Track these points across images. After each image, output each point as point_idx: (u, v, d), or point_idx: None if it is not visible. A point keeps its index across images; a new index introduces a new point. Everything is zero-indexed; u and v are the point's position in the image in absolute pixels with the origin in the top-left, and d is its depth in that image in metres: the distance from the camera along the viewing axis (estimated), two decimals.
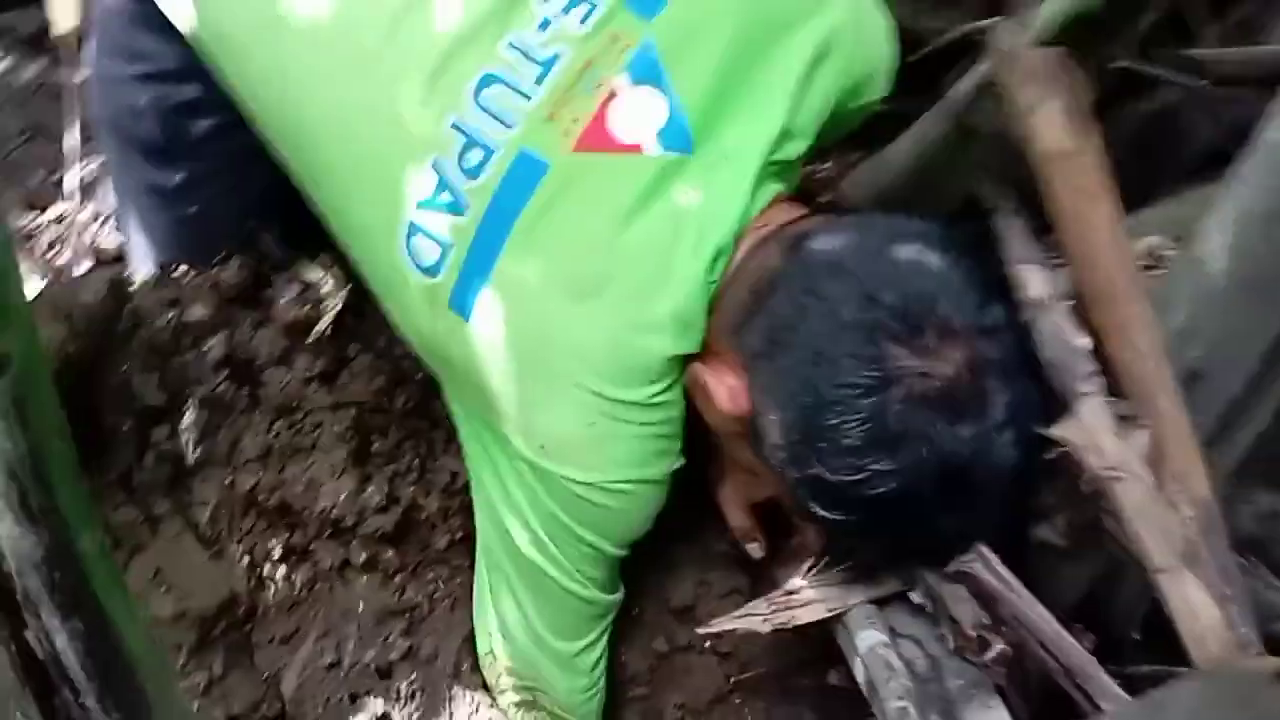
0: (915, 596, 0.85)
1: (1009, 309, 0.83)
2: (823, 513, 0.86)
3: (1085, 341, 0.77)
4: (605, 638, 1.12)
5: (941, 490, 0.79)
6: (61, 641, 0.52)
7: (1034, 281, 0.82)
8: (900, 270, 0.83)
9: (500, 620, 1.09)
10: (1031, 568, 0.81)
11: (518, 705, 1.13)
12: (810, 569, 0.99)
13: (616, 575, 1.09)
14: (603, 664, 1.13)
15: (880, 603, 0.91)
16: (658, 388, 0.94)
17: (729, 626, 0.89)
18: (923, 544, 0.86)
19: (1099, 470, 0.71)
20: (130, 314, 1.15)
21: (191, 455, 1.10)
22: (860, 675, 0.79)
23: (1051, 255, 0.82)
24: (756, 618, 0.88)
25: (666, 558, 1.23)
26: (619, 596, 1.11)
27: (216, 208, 1.21)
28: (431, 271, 0.95)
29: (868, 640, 0.80)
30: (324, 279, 1.21)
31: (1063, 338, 0.78)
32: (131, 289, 1.18)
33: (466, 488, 1.18)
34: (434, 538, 1.17)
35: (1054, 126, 0.72)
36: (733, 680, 1.24)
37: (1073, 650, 0.79)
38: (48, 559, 0.49)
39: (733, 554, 1.21)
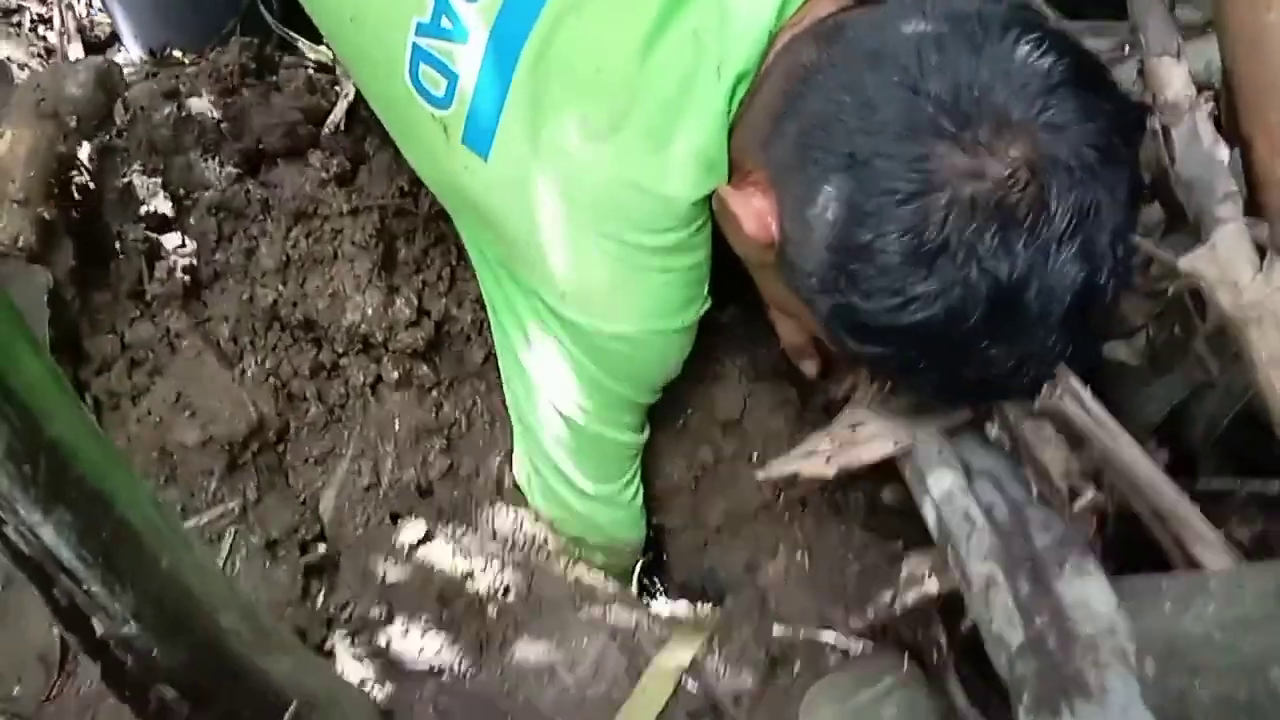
0: (991, 430, 0.77)
1: (1087, 103, 0.69)
2: (860, 348, 0.75)
3: (1224, 152, 0.65)
4: (639, 470, 1.09)
5: (991, 316, 0.67)
6: (49, 535, 0.45)
7: (1175, 79, 0.68)
8: (951, 56, 0.68)
9: (533, 471, 1.05)
10: (1104, 388, 0.72)
11: (564, 546, 1.11)
12: (870, 397, 0.91)
13: (646, 414, 1.04)
14: (641, 494, 1.10)
15: (951, 429, 0.84)
16: (683, 234, 0.84)
17: (790, 469, 0.83)
18: (976, 380, 0.74)
19: (1232, 310, 0.61)
20: (124, 107, 1.04)
21: (206, 267, 1.02)
22: (931, 521, 0.72)
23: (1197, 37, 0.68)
24: (819, 458, 0.81)
25: (713, 369, 1.17)
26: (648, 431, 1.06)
27: None
28: (441, 104, 0.86)
29: (942, 483, 0.72)
30: (334, 61, 1.08)
31: (1202, 150, 0.65)
32: (123, 79, 1.06)
33: None
34: (469, 351, 1.10)
35: None
36: (780, 493, 1.20)
37: (1168, 492, 0.71)
38: (13, 454, 0.42)
39: (782, 366, 1.14)
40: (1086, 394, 0.70)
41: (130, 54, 1.20)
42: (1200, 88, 0.70)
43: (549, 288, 0.87)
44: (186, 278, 1.02)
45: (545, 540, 1.14)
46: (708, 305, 0.92)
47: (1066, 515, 0.66)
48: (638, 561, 1.20)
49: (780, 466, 0.83)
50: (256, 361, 1.02)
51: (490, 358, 1.10)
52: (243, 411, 0.98)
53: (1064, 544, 0.63)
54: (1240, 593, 0.57)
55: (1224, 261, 0.61)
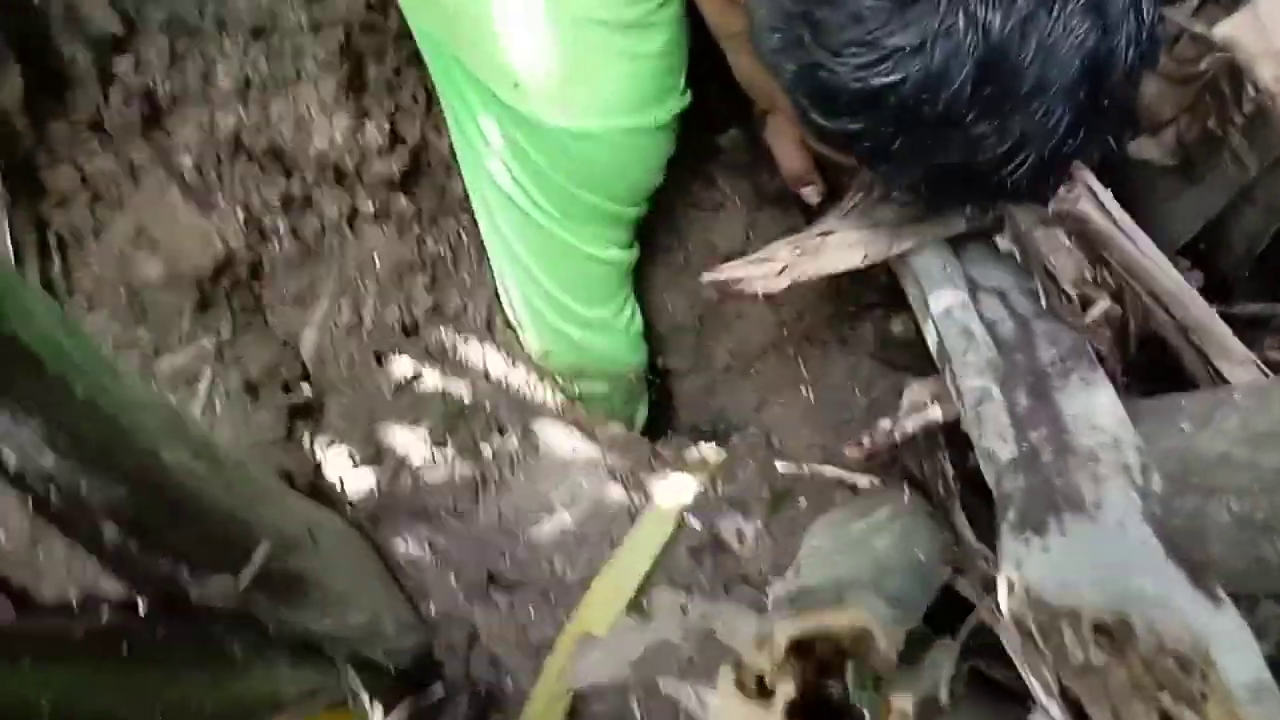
0: (1002, 242, 0.70)
1: None
2: (830, 123, 0.64)
3: None
4: (633, 295, 1.02)
5: (979, 81, 0.57)
6: None
7: None
8: None
9: (522, 302, 0.98)
10: (1131, 199, 0.64)
11: (565, 380, 1.06)
12: (853, 205, 0.83)
13: (634, 230, 0.96)
14: (638, 318, 1.03)
15: (958, 244, 0.76)
16: (650, 4, 0.75)
17: (738, 274, 0.75)
18: (963, 170, 0.62)
19: (1274, 84, 0.53)
20: None
21: (163, 91, 0.95)
22: (932, 341, 0.66)
23: None
24: (773, 265, 0.74)
25: (712, 197, 1.09)
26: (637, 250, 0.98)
27: None
28: None
29: (943, 300, 0.65)
30: None
31: None
32: None
33: None
34: (450, 182, 1.03)
35: None
36: (786, 328, 1.14)
37: (1194, 304, 0.64)
38: None
39: (787, 191, 1.07)
40: (1107, 195, 0.63)
41: None
42: None
43: (502, 78, 0.79)
44: (144, 105, 0.95)
45: (542, 379, 1.10)
46: (685, 103, 0.83)
47: (1078, 327, 0.59)
48: (642, 401, 1.15)
49: (729, 270, 0.75)
50: (223, 193, 0.96)
51: None
52: (209, 245, 0.93)
53: (1070, 356, 0.56)
54: (1268, 405, 0.51)
55: (1267, 28, 0.52)
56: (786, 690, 0.40)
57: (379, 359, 1.01)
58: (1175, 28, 0.60)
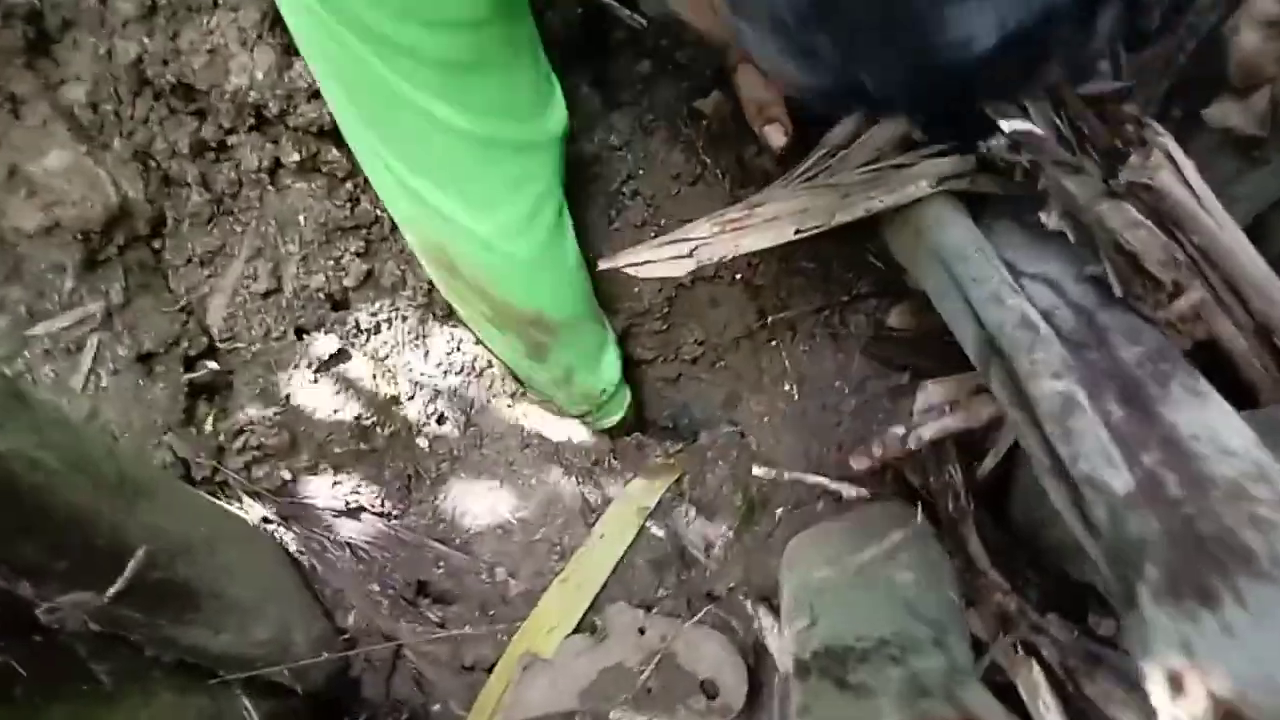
0: (1049, 219, 0.58)
1: None
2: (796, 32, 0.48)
3: None
4: (561, 202, 0.83)
5: None
6: None
7: None
8: None
9: (402, 211, 0.79)
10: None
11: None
12: (804, 172, 0.71)
13: (537, 97, 0.76)
14: (569, 258, 0.87)
15: (983, 224, 0.64)
16: None
17: (640, 257, 0.62)
18: (929, 55, 0.47)
19: None
20: None
21: (52, 13, 0.80)
22: (970, 335, 0.53)
23: None
24: (681, 246, 0.62)
25: (691, 169, 0.97)
26: (551, 127, 0.77)
27: None
28: None
29: (989, 285, 0.52)
30: None
31: None
32: None
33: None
34: None
35: None
36: (767, 317, 1.03)
37: None
38: None
39: (765, 165, 0.95)
40: (1190, 167, 0.52)
41: None
42: None
43: None
44: (30, 27, 0.81)
45: (491, 365, 0.97)
46: None
47: (1163, 321, 0.48)
48: (603, 393, 1.02)
49: (628, 256, 0.63)
50: (121, 134, 0.82)
51: None
52: (99, 194, 0.78)
53: (1161, 357, 0.45)
54: None
55: None
56: None
57: (299, 333, 0.87)
58: None
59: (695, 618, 0.88)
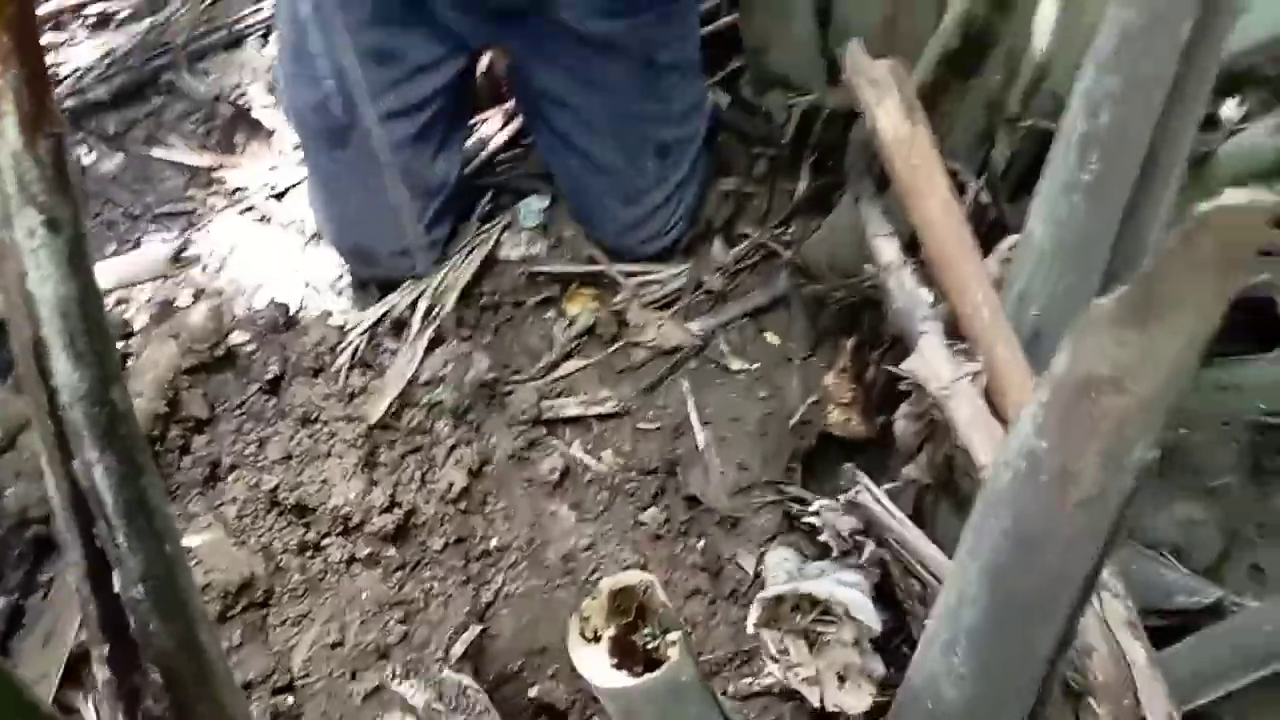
0: (825, 535, 0.98)
1: None
2: None
3: (926, 293, 0.92)
4: None
5: None
6: (98, 475, 0.68)
7: (886, 249, 0.98)
8: None
9: None
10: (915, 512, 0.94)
11: None
12: None
13: None
14: None
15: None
16: None
17: None
18: None
19: (937, 391, 0.85)
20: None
21: (226, 458, 1.28)
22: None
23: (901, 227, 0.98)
24: None
25: None
26: None
27: None
28: None
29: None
30: (349, 313, 1.41)
31: (908, 291, 0.93)
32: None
33: (462, 495, 1.34)
34: (431, 540, 1.32)
35: (891, 116, 0.89)
36: None
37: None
38: (90, 395, 0.65)
39: None
40: (879, 491, 0.92)
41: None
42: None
43: None
44: (207, 468, 1.28)
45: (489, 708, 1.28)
46: None
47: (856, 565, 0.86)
48: None
49: None
50: (255, 534, 1.25)
51: (448, 546, 1.31)
52: (238, 568, 1.19)
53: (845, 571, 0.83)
54: None
55: (928, 359, 0.86)
56: (609, 632, 0.60)
57: (353, 675, 1.22)
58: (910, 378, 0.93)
59: None
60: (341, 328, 1.43)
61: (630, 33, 1.28)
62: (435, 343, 1.43)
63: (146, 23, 1.99)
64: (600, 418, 1.45)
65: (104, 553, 0.72)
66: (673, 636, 0.61)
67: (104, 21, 2.06)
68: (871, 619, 0.84)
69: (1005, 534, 0.61)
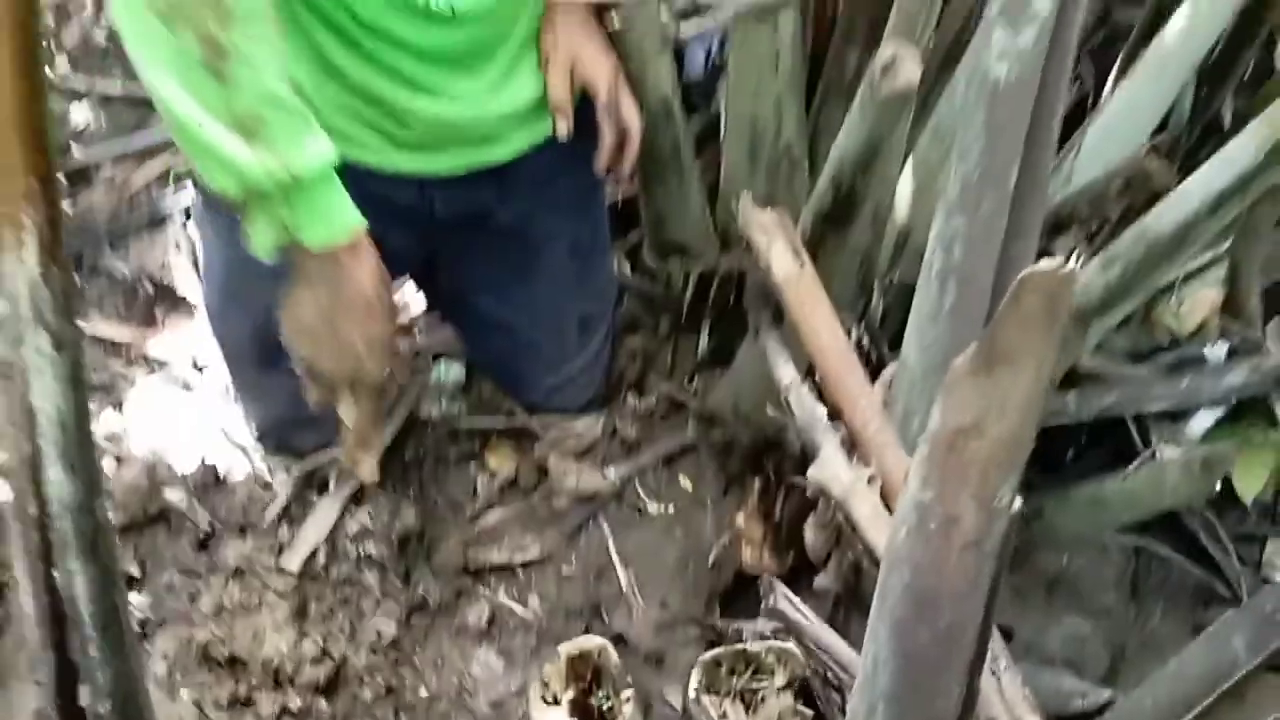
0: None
1: None
2: None
3: (822, 410, 1.04)
4: None
5: None
6: (79, 584, 0.72)
7: (785, 372, 1.11)
8: None
9: None
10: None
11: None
12: None
13: None
14: None
15: None
16: None
17: None
18: None
19: (840, 495, 0.95)
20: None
21: (155, 614, 1.29)
22: None
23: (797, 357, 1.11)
24: None
25: None
26: None
27: None
28: None
29: None
30: (275, 472, 1.46)
31: (807, 408, 1.05)
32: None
33: (392, 645, 1.36)
34: (362, 691, 1.33)
35: (781, 257, 1.03)
36: None
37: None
38: (80, 505, 0.70)
39: None
40: (798, 600, 1.01)
41: None
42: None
43: None
44: (138, 627, 1.28)
45: None
46: None
47: None
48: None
49: None
50: (185, 688, 1.25)
51: (379, 698, 1.33)
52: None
53: None
54: None
55: (828, 465, 0.97)
56: (568, 694, 0.66)
57: None
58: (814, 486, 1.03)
59: None
60: (268, 485, 1.47)
61: (561, 224, 1.39)
62: (359, 497, 1.49)
63: (68, 208, 2.07)
64: (525, 564, 1.51)
65: (75, 665, 0.75)
66: (626, 694, 0.67)
67: None
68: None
69: (906, 588, 0.70)
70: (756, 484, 1.55)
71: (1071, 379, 1.45)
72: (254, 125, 0.93)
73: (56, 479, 0.70)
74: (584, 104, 1.23)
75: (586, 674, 0.67)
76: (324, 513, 1.42)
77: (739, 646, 0.89)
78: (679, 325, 1.75)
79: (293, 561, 1.35)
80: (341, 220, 1.02)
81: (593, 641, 0.68)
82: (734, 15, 1.25)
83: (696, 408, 1.65)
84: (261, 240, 1.00)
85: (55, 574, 0.72)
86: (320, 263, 1.04)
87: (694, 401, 1.66)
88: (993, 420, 0.57)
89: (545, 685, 0.68)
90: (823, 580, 1.07)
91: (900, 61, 0.96)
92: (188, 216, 1.99)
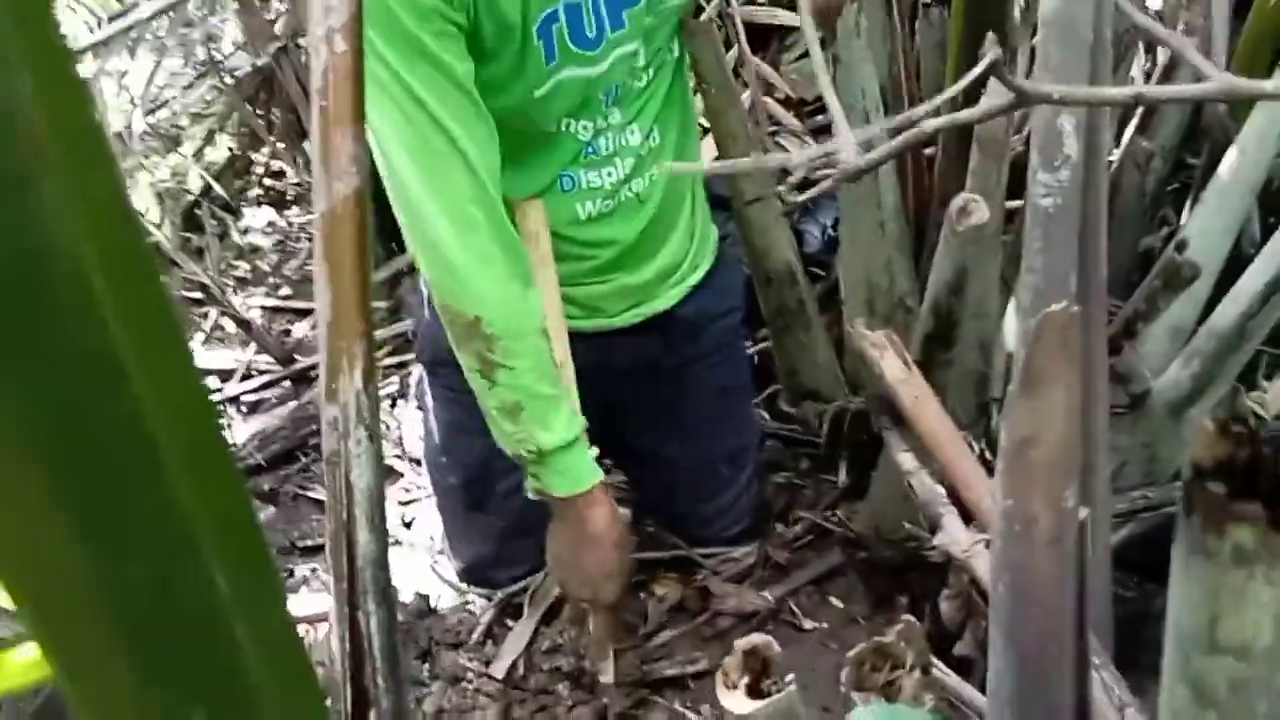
0: None
1: None
2: None
3: (941, 490, 1.22)
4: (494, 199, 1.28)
5: None
6: (374, 624, 0.96)
7: (906, 460, 1.29)
8: None
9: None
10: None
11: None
12: None
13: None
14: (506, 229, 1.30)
15: None
16: None
17: None
18: None
19: (960, 555, 1.12)
20: None
21: None
22: None
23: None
24: None
25: None
26: None
27: None
28: None
29: None
30: (477, 601, 1.70)
31: (928, 487, 1.23)
32: None
33: None
34: None
35: (892, 365, 1.24)
36: None
37: None
38: (377, 560, 0.95)
39: None
40: None
41: None
42: None
43: None
44: None
45: None
46: None
47: None
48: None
49: None
50: None
51: None
52: None
53: None
54: None
55: (950, 534, 1.14)
56: (744, 681, 0.83)
57: None
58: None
59: None
60: (471, 612, 1.72)
61: (713, 368, 1.68)
62: (549, 618, 1.71)
63: (292, 405, 2.46)
64: (695, 675, 1.68)
65: (367, 692, 0.99)
66: (789, 678, 0.86)
67: (254, 407, 2.54)
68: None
69: (1008, 590, 0.88)
70: (904, 601, 1.71)
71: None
72: (514, 410, 1.29)
73: (364, 540, 0.96)
74: (733, 269, 1.54)
75: (757, 666, 0.86)
76: (521, 630, 1.64)
77: (876, 640, 1.04)
78: (817, 464, 1.96)
79: (499, 670, 1.57)
80: (581, 478, 1.36)
81: (760, 639, 0.87)
82: (838, 185, 1.53)
83: (841, 533, 1.83)
84: (528, 483, 1.38)
85: (359, 616, 0.97)
86: (566, 507, 1.37)
87: (839, 528, 1.85)
88: (1045, 429, 0.78)
89: (726, 675, 0.87)
90: (960, 648, 1.22)
91: (973, 205, 1.21)
92: (392, 404, 2.35)
